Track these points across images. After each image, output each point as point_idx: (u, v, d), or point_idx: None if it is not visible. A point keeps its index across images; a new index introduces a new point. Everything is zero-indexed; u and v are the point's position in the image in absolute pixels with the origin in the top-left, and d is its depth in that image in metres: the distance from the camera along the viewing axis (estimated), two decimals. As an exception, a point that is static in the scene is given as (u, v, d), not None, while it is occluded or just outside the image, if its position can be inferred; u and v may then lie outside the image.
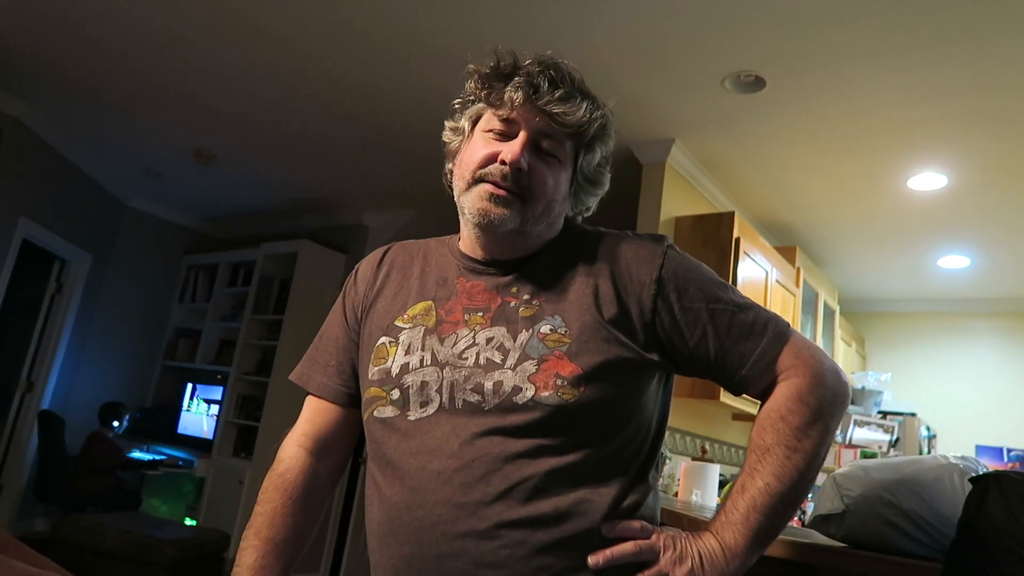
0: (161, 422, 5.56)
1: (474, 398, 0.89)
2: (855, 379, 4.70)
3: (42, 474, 4.65)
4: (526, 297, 0.95)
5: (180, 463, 5.14)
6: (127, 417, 5.08)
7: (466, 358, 0.92)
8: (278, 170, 4.46)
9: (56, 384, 5.01)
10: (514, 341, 0.91)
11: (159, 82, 3.37)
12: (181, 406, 5.56)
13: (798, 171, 3.48)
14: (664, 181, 3.27)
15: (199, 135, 4.03)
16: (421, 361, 0.95)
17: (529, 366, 0.89)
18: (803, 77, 2.64)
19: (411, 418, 0.92)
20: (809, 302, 4.16)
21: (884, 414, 4.25)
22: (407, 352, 0.96)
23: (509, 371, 0.89)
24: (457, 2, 2.43)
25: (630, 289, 0.94)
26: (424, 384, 0.93)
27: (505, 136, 0.94)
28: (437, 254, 1.06)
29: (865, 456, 3.50)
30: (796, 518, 3.01)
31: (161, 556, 3.30)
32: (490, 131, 0.96)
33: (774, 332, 0.93)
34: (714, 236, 3.18)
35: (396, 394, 0.94)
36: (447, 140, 1.03)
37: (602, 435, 0.89)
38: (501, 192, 0.92)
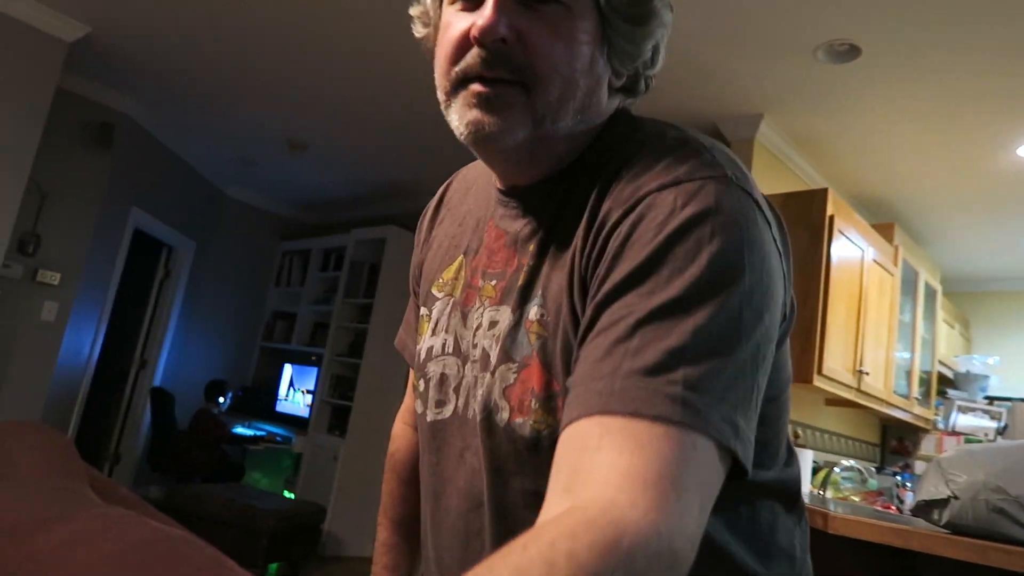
0: (261, 400, 5.86)
1: (480, 409, 0.65)
2: (959, 363, 4.47)
3: (155, 446, 5.01)
4: (533, 251, 0.65)
5: (279, 439, 5.42)
6: (230, 395, 5.39)
7: (476, 346, 0.67)
8: (367, 157, 4.60)
9: (166, 362, 5.37)
10: (508, 329, 0.64)
11: (255, 74, 3.53)
12: (279, 385, 5.85)
13: (896, 144, 3.31)
14: (753, 158, 3.18)
15: (292, 125, 4.20)
16: (443, 347, 0.71)
17: (508, 373, 0.63)
18: (901, 43, 2.51)
19: (428, 419, 0.72)
20: (909, 282, 3.96)
21: (991, 399, 4.02)
22: (434, 331, 0.74)
23: (492, 376, 0.64)
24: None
25: (587, 236, 0.60)
26: (443, 378, 0.70)
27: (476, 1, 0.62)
28: (483, 182, 0.76)
29: (970, 443, 3.32)
30: (894, 506, 2.90)
31: (263, 525, 3.50)
32: (456, 1, 0.64)
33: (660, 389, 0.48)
34: (806, 214, 3.08)
35: (421, 386, 0.74)
36: (418, 36, 0.72)
37: None
38: (487, 89, 0.61)
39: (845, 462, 3.07)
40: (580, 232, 0.60)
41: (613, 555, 0.40)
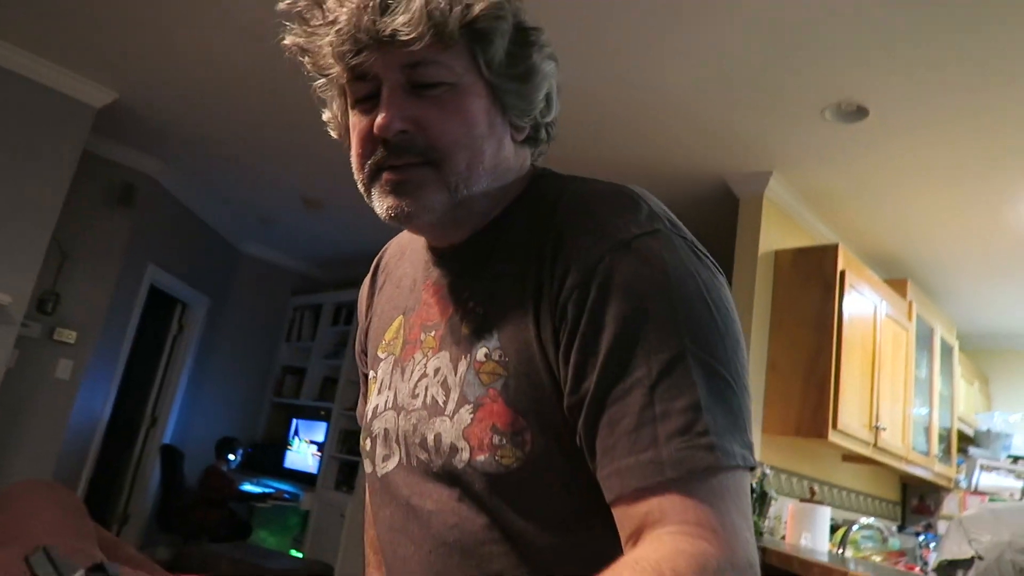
0: (269, 456, 5.82)
1: (423, 455, 0.68)
2: (980, 420, 4.39)
3: (163, 504, 4.95)
4: (472, 303, 0.69)
5: (287, 496, 5.36)
6: (240, 451, 5.35)
7: (417, 395, 0.71)
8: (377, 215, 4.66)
9: (177, 419, 5.35)
10: (455, 373, 0.68)
11: (272, 136, 3.63)
12: (288, 441, 5.81)
13: (907, 201, 3.34)
14: (762, 214, 3.21)
15: (308, 184, 4.29)
16: (386, 403, 0.75)
17: (465, 414, 0.65)
18: (909, 104, 2.56)
19: (379, 474, 0.75)
20: (924, 338, 3.93)
21: (1015, 459, 3.93)
22: (379, 390, 0.77)
23: (448, 419, 0.67)
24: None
25: (550, 288, 0.63)
26: (386, 433, 0.74)
27: (372, 98, 0.66)
28: (417, 245, 0.81)
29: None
30: (917, 567, 2.82)
31: (271, 586, 3.43)
32: (357, 103, 0.68)
33: (714, 450, 0.55)
34: (817, 270, 3.09)
35: (368, 444, 0.77)
36: (334, 137, 0.77)
37: (580, 507, 0.62)
38: (399, 177, 0.65)
39: (864, 520, 3.00)
40: (531, 280, 0.65)
41: (707, 571, 0.50)
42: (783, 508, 2.79)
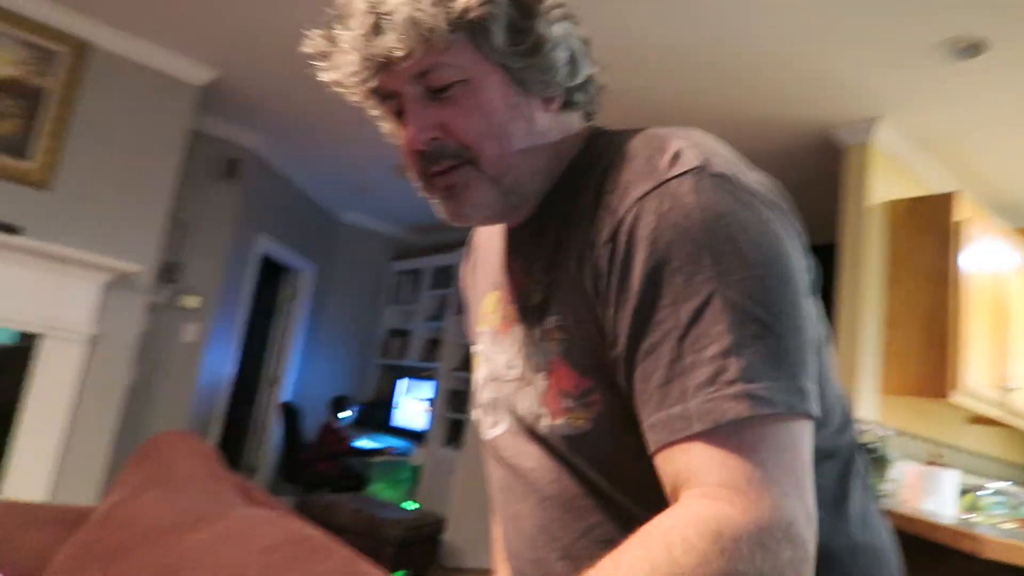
0: (380, 414, 6.09)
1: (519, 421, 0.72)
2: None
3: (286, 458, 5.30)
4: (539, 274, 0.70)
5: (398, 451, 5.61)
6: (353, 409, 5.64)
7: (510, 367, 0.74)
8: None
9: (294, 378, 5.68)
10: (531, 343, 0.70)
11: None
12: (396, 400, 6.05)
13: (1033, 139, 3.04)
14: (869, 164, 3.01)
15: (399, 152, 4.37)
16: (488, 375, 0.79)
17: (540, 381, 0.68)
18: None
19: (488, 438, 0.79)
20: (1060, 286, 3.59)
21: None
22: (483, 363, 0.81)
23: (531, 388, 0.70)
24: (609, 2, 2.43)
25: (591, 249, 0.63)
26: (492, 402, 0.77)
27: (403, 113, 0.69)
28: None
29: None
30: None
31: (388, 534, 3.63)
32: (394, 120, 0.72)
33: (757, 396, 0.51)
34: (934, 220, 2.88)
35: (479, 413, 0.81)
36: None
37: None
38: (446, 182, 0.68)
39: (993, 485, 2.82)
40: (577, 243, 0.65)
41: (718, 542, 0.46)
42: (903, 472, 2.67)
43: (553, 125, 0.71)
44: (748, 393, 0.51)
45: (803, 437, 0.53)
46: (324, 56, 0.69)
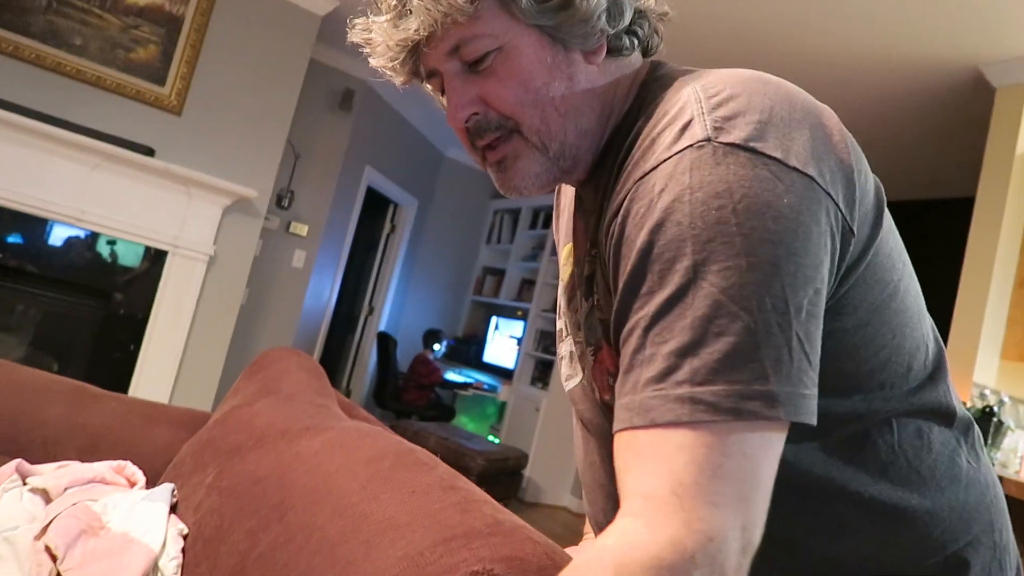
0: (470, 350, 6.24)
1: (586, 384, 0.72)
2: None
3: (379, 384, 5.54)
4: (588, 243, 0.69)
5: (485, 387, 5.76)
6: (445, 342, 5.80)
7: (578, 330, 0.72)
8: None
9: (390, 309, 5.89)
10: (583, 315, 0.69)
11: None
12: (486, 337, 6.18)
13: None
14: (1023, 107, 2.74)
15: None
16: (563, 329, 0.78)
17: (589, 356, 0.68)
18: None
19: (567, 390, 0.79)
20: None
21: None
22: (560, 316, 0.81)
23: (585, 358, 0.70)
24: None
25: (605, 232, 0.61)
26: (570, 355, 0.77)
27: (443, 90, 0.68)
28: None
29: None
30: None
31: (473, 464, 3.76)
32: (439, 93, 0.70)
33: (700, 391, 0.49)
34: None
35: (560, 365, 0.81)
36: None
37: None
38: (497, 155, 0.66)
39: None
40: (607, 219, 0.61)
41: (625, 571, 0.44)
42: (1020, 442, 2.51)
43: (599, 77, 0.66)
44: (692, 396, 0.48)
45: (757, 444, 0.49)
46: (366, 43, 0.68)
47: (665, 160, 0.54)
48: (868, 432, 0.60)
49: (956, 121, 3.29)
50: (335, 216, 4.64)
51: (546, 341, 5.36)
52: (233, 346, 3.60)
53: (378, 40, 0.66)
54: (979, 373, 2.63)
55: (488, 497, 0.83)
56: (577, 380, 0.75)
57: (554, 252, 5.36)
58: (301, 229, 4.29)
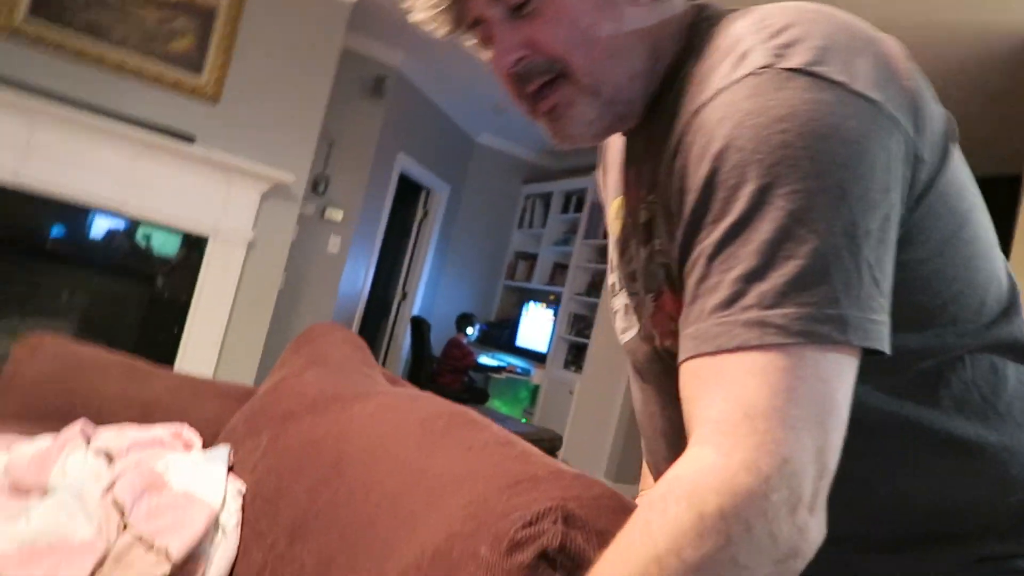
0: (503, 334, 6.26)
1: (646, 329, 0.70)
2: None
3: (413, 368, 5.59)
4: (644, 190, 0.67)
5: (519, 371, 5.77)
6: (478, 327, 5.83)
7: (634, 280, 0.71)
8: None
9: (424, 294, 5.93)
10: (641, 262, 0.68)
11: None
12: (520, 321, 6.19)
13: None
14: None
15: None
16: (617, 282, 0.77)
17: (649, 303, 0.67)
18: None
19: (623, 342, 0.77)
20: None
21: None
22: (612, 269, 0.79)
23: (643, 306, 0.69)
24: None
25: (666, 169, 0.60)
26: (625, 308, 0.75)
27: (488, 39, 0.66)
28: None
29: None
30: None
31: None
32: (487, 49, 0.68)
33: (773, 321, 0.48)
34: None
35: (614, 319, 0.81)
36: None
37: None
38: (547, 104, 0.64)
39: None
40: (665, 160, 0.59)
41: (697, 518, 0.44)
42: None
43: (647, 17, 0.64)
44: (761, 320, 0.47)
45: (831, 368, 0.48)
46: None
47: (724, 89, 0.53)
48: (941, 368, 0.59)
49: (1008, 93, 3.20)
50: (369, 202, 4.67)
51: (579, 325, 5.36)
52: (271, 330, 3.66)
53: None
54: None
55: (544, 452, 0.83)
56: (634, 332, 0.74)
57: (587, 237, 5.34)
58: (336, 215, 4.34)
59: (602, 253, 5.24)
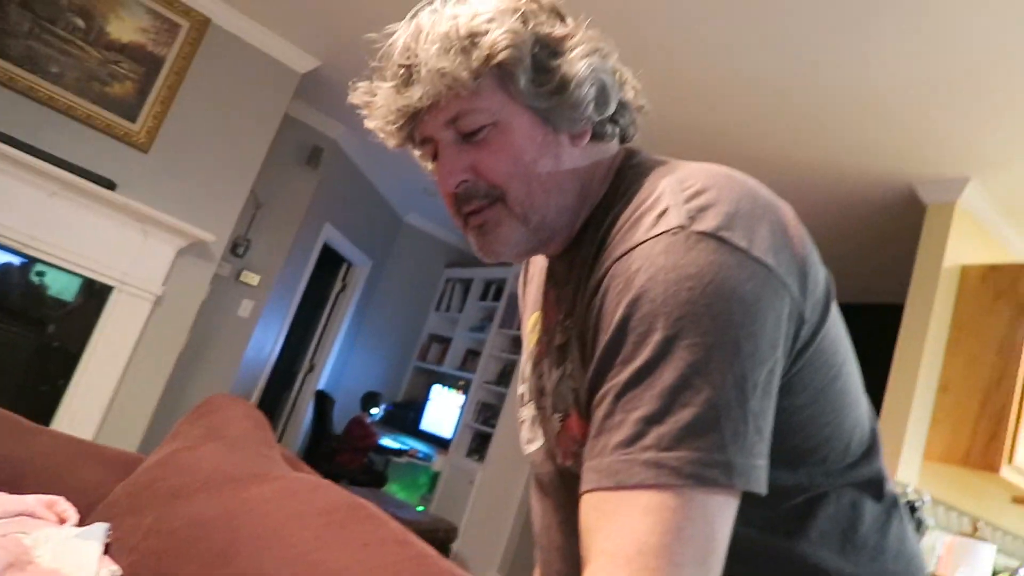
0: (408, 416, 6.14)
1: (549, 445, 0.75)
2: None
3: (311, 444, 5.38)
4: (562, 314, 0.72)
5: (421, 455, 5.64)
6: (383, 407, 5.70)
7: (543, 396, 0.76)
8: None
9: (332, 368, 5.78)
10: (552, 382, 0.72)
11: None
12: (426, 404, 6.10)
13: None
14: (952, 224, 2.96)
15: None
16: (526, 394, 0.83)
17: (556, 422, 0.71)
18: None
19: (524, 453, 0.82)
20: None
21: None
22: (523, 380, 0.85)
23: (549, 423, 0.73)
24: (717, 40, 2.46)
25: (584, 305, 0.66)
26: (533, 420, 0.80)
27: (435, 156, 0.73)
28: None
29: None
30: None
31: (404, 533, 3.65)
32: (433, 164, 0.76)
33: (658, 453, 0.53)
34: (1010, 290, 2.81)
35: (521, 427, 0.85)
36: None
37: None
38: (479, 220, 0.70)
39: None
40: (585, 295, 0.65)
41: None
42: (938, 541, 2.60)
43: (581, 159, 0.71)
44: (658, 461, 0.52)
45: (715, 510, 0.52)
46: (366, 106, 0.73)
47: (643, 242, 0.59)
48: (810, 503, 0.65)
49: (890, 231, 3.52)
50: (288, 269, 4.60)
51: (487, 413, 5.33)
52: (167, 390, 3.48)
53: (379, 103, 0.70)
54: (903, 471, 2.74)
55: (440, 555, 0.83)
56: (537, 444, 0.78)
57: (502, 325, 5.39)
58: (252, 279, 4.24)
59: (516, 343, 5.30)
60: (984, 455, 2.57)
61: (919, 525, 2.34)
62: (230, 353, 4.22)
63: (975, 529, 2.74)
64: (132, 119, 3.19)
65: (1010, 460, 2.59)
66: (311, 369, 5.70)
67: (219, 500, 1.06)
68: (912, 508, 2.38)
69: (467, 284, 6.27)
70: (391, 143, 0.74)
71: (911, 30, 2.15)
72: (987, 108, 2.48)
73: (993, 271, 2.91)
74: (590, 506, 0.55)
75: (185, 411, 1.61)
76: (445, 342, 6.27)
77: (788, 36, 2.37)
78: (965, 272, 2.99)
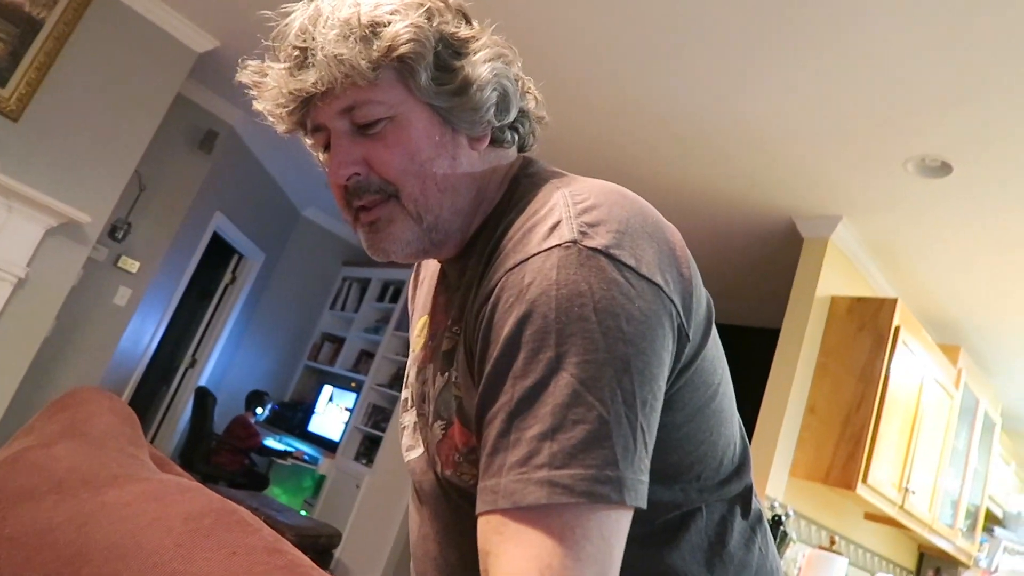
0: (296, 417, 5.95)
1: (429, 453, 0.73)
2: (1011, 502, 4.27)
3: (189, 443, 5.11)
4: (450, 320, 0.71)
5: (306, 458, 5.47)
6: (269, 406, 5.49)
7: (426, 403, 0.74)
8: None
9: (216, 364, 5.51)
10: (435, 389, 0.71)
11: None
12: (315, 405, 5.93)
13: (975, 266, 3.27)
14: (825, 258, 3.18)
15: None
16: (408, 400, 0.82)
17: (438, 430, 0.70)
18: (995, 168, 2.52)
19: (405, 459, 0.82)
20: (968, 410, 3.84)
21: (1042, 547, 3.82)
22: (406, 385, 0.83)
23: (430, 431, 0.72)
24: (605, 58, 2.54)
25: (472, 316, 0.64)
26: (415, 426, 0.79)
27: (326, 146, 0.70)
28: None
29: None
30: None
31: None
32: (323, 153, 0.73)
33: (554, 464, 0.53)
34: (872, 321, 3.05)
35: (401, 434, 0.84)
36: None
37: None
38: (370, 216, 0.68)
39: (877, 583, 2.96)
40: (474, 304, 0.64)
41: None
42: (799, 554, 2.77)
43: (479, 163, 0.71)
44: (551, 480, 0.52)
45: (610, 526, 0.53)
46: (255, 86, 0.70)
47: (535, 255, 0.58)
48: (684, 518, 0.67)
49: (771, 260, 3.74)
50: (172, 258, 4.35)
51: (377, 416, 5.24)
52: (27, 381, 3.20)
53: (270, 84, 0.67)
54: (771, 487, 2.91)
55: (314, 564, 0.80)
56: (418, 452, 0.76)
57: (398, 328, 5.32)
58: (131, 265, 3.98)
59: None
60: (842, 474, 2.77)
61: (784, 537, 2.48)
62: (102, 344, 3.94)
63: (832, 542, 2.94)
64: (1, 83, 2.93)
65: (864, 479, 2.80)
66: (193, 364, 5.42)
67: (72, 504, 0.98)
68: (778, 521, 2.52)
69: (364, 284, 6.15)
70: (281, 128, 0.71)
71: (795, 66, 2.29)
72: (855, 155, 2.69)
73: (859, 303, 3.15)
74: (489, 528, 0.54)
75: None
76: (338, 342, 6.12)
77: (668, 60, 2.47)
78: (834, 303, 3.22)
